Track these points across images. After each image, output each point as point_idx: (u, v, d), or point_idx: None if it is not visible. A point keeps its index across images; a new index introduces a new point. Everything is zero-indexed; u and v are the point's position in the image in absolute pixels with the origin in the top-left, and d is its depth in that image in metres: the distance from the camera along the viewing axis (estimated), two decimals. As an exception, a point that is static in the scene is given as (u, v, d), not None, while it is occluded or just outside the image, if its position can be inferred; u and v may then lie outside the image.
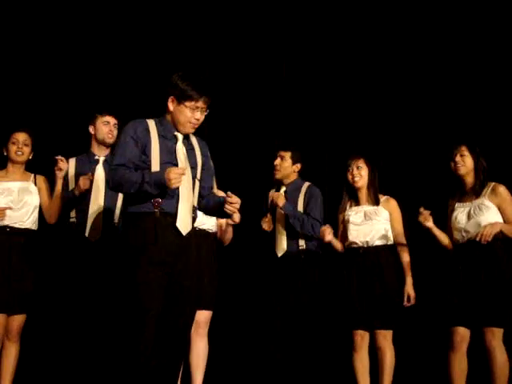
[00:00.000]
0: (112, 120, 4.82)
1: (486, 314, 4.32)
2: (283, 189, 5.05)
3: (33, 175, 4.83)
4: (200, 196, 3.89)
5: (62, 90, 5.82)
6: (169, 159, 3.73)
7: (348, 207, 4.85)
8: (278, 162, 5.03)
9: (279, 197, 4.94)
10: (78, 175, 4.72)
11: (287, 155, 5.04)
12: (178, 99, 3.72)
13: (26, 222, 4.68)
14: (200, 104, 3.72)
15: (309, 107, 5.91)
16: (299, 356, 4.83)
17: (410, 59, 5.72)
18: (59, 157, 4.70)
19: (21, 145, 4.74)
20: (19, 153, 4.74)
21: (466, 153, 4.54)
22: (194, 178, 3.79)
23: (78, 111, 5.62)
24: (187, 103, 3.71)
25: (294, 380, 4.82)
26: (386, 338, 4.62)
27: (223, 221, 4.88)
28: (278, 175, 5.05)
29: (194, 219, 3.81)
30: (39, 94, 5.79)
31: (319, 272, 4.95)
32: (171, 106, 3.76)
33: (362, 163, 4.81)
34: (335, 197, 5.03)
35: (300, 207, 4.98)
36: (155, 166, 3.69)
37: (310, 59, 5.91)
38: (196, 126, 3.78)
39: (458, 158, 4.55)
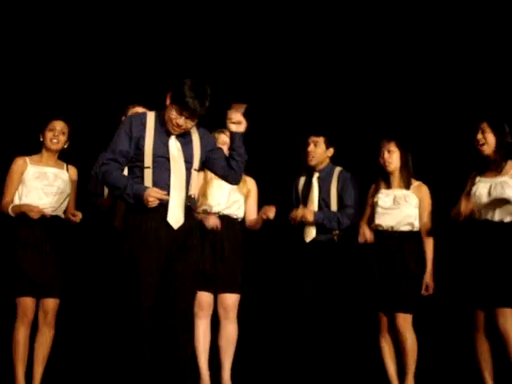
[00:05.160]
0: (143, 110, 4.88)
1: (496, 295, 4.31)
2: (316, 175, 5.01)
3: (65, 164, 4.86)
4: (223, 174, 4.11)
5: (98, 81, 5.85)
6: (161, 153, 3.91)
7: (379, 189, 4.80)
8: (311, 148, 4.96)
9: (306, 213, 4.87)
10: None
11: (321, 140, 4.98)
12: (172, 97, 3.91)
13: (58, 209, 4.71)
14: (185, 113, 3.87)
15: (341, 91, 5.85)
16: (329, 342, 4.86)
17: (435, 42, 5.67)
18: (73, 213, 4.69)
19: (57, 133, 4.75)
20: (55, 140, 4.74)
21: (488, 129, 4.47)
22: (188, 169, 3.95)
23: (111, 103, 5.66)
24: (176, 106, 3.87)
25: (323, 365, 4.87)
26: (406, 322, 4.61)
27: (253, 216, 4.92)
28: (313, 162, 4.98)
29: (189, 208, 3.95)
30: (77, 84, 5.81)
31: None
32: (167, 100, 3.93)
33: (393, 146, 4.76)
34: (367, 180, 5.01)
35: (333, 192, 4.96)
36: (148, 160, 3.89)
37: (338, 41, 5.87)
38: (178, 130, 3.92)
39: (479, 136, 4.49)
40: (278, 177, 5.29)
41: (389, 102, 5.71)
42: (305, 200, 5.02)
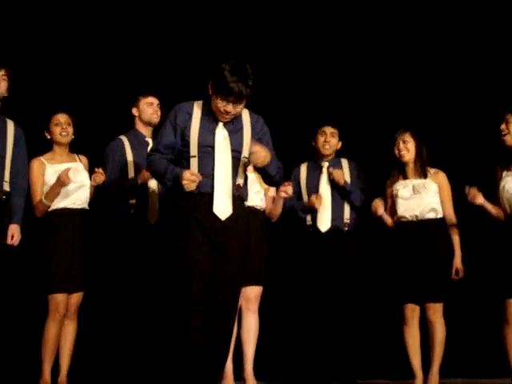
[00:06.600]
0: (155, 101, 4.86)
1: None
2: (326, 164, 5.09)
3: (76, 155, 4.82)
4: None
5: (103, 71, 5.78)
6: (207, 142, 3.80)
7: (396, 181, 4.83)
8: (329, 138, 5.06)
9: (340, 174, 4.99)
10: (134, 157, 4.76)
11: (336, 132, 5.10)
12: (213, 87, 3.77)
13: (82, 202, 4.69)
14: (231, 99, 3.74)
15: (356, 81, 5.88)
16: (349, 331, 4.91)
17: (455, 30, 5.71)
18: (99, 170, 4.66)
19: (64, 125, 4.71)
20: (64, 133, 4.70)
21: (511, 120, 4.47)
22: (236, 158, 3.84)
23: (117, 92, 5.59)
24: (220, 94, 3.74)
25: (344, 354, 4.92)
26: (436, 311, 4.64)
27: (273, 194, 4.86)
28: (329, 151, 5.11)
29: (238, 198, 3.86)
30: (78, 75, 5.73)
31: (359, 247, 5.04)
32: (210, 90, 3.82)
33: (408, 137, 4.79)
34: (381, 171, 5.05)
35: (348, 181, 5.05)
36: (193, 149, 3.80)
37: (351, 30, 5.89)
38: (229, 117, 3.80)
39: (502, 126, 4.49)
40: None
41: (402, 93, 5.77)
42: (313, 188, 5.05)
